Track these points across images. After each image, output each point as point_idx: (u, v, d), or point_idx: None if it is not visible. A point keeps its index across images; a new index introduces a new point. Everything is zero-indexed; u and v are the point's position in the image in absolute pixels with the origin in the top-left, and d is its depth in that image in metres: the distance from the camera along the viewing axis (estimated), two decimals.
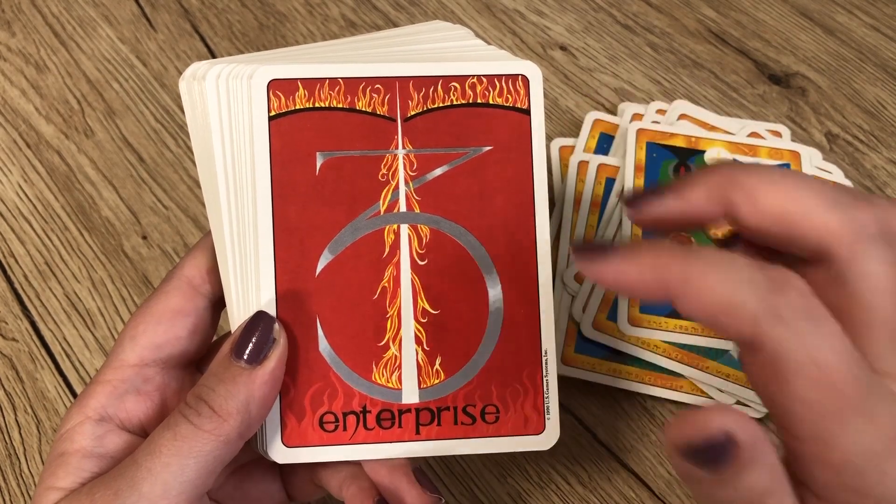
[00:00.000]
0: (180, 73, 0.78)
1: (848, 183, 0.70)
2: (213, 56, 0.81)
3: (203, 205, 0.71)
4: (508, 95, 0.49)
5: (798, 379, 0.35)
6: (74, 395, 0.63)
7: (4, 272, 0.69)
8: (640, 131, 0.72)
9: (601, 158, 0.72)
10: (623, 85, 0.80)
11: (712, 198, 0.40)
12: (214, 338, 0.52)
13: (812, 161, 0.71)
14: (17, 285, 0.68)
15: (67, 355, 0.65)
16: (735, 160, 0.41)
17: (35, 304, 0.67)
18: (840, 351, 0.35)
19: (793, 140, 0.74)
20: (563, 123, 0.78)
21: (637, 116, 0.74)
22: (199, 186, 0.72)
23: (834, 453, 0.36)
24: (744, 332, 0.36)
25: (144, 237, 0.70)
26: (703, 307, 0.36)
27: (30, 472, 0.60)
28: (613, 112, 0.78)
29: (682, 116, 0.74)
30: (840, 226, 0.38)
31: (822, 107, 0.79)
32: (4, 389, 0.63)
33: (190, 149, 0.75)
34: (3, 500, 0.59)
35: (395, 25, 0.84)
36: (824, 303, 0.37)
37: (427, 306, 0.48)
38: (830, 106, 0.79)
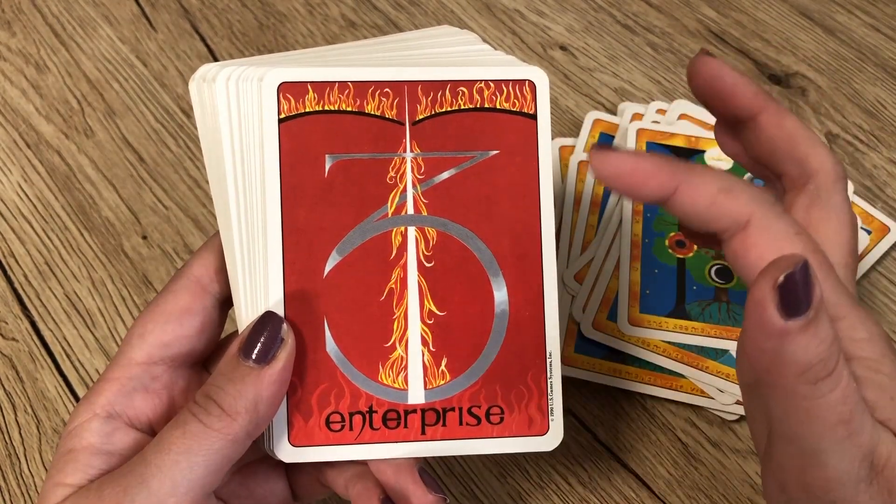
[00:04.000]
0: (180, 73, 0.78)
1: (848, 182, 0.70)
2: (213, 55, 0.81)
3: (204, 205, 0.71)
4: (515, 100, 0.49)
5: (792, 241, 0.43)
6: (74, 394, 0.63)
7: (4, 272, 0.69)
8: (640, 131, 0.72)
9: None
10: (623, 85, 0.80)
11: (757, 96, 0.49)
12: (221, 336, 0.52)
13: None
14: (17, 285, 0.68)
15: (67, 355, 0.65)
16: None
17: (35, 304, 0.67)
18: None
19: None
20: (563, 123, 0.78)
21: (637, 116, 0.74)
22: (199, 186, 0.72)
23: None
24: (741, 211, 0.42)
25: (144, 237, 0.70)
26: (706, 198, 0.43)
27: (30, 472, 0.60)
28: (613, 112, 0.78)
29: (683, 116, 0.74)
30: (832, 164, 0.48)
31: (822, 107, 0.79)
32: (4, 389, 0.63)
33: (190, 149, 0.75)
34: (3, 500, 0.59)
35: (395, 25, 0.84)
36: (804, 218, 0.48)
37: (433, 308, 0.48)
38: (830, 106, 0.79)
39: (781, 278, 0.38)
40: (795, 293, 0.38)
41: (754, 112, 0.49)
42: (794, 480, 0.42)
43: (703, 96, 0.50)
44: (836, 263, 0.46)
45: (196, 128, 0.71)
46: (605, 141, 0.74)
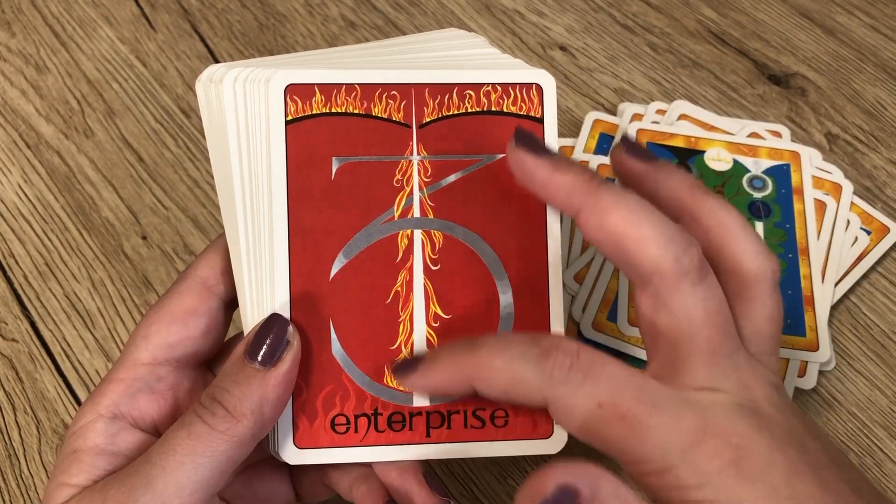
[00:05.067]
0: (180, 74, 0.78)
1: (848, 183, 0.70)
2: (213, 56, 0.81)
3: (204, 205, 0.71)
4: (522, 104, 0.49)
5: (591, 420, 0.43)
6: (74, 395, 0.63)
7: (4, 272, 0.68)
8: (639, 131, 0.72)
9: (601, 158, 0.72)
10: (623, 85, 0.80)
11: (573, 193, 0.44)
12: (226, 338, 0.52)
13: (812, 161, 0.71)
14: (17, 285, 0.68)
15: (67, 355, 0.65)
16: (596, 174, 0.47)
17: (35, 305, 0.67)
18: (614, 387, 0.43)
19: (793, 140, 0.74)
20: (563, 123, 0.78)
21: (637, 116, 0.74)
22: (199, 187, 0.72)
23: (645, 465, 0.42)
24: (535, 399, 0.43)
25: (144, 237, 0.70)
26: (499, 391, 0.44)
27: (29, 472, 0.60)
28: (613, 112, 0.78)
29: (682, 116, 0.74)
30: (668, 262, 0.43)
31: (822, 107, 0.79)
32: (4, 389, 0.63)
33: (190, 149, 0.75)
34: (3, 500, 0.59)
35: (395, 25, 0.84)
36: (649, 322, 0.45)
37: (439, 311, 0.48)
38: (830, 106, 0.79)
39: None
40: None
41: (572, 212, 0.45)
42: None
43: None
44: (697, 352, 0.44)
45: (198, 128, 0.71)
46: (605, 142, 0.74)
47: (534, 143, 0.46)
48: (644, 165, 0.49)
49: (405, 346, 0.48)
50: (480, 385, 0.44)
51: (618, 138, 0.72)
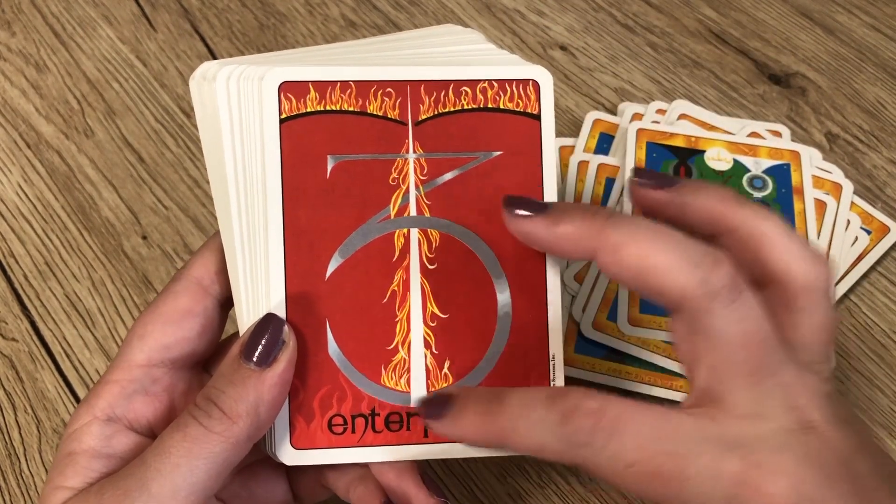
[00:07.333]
0: (180, 73, 0.78)
1: (848, 182, 0.70)
2: (213, 56, 0.81)
3: (204, 205, 0.71)
4: (519, 100, 0.49)
5: (624, 480, 0.41)
6: (74, 394, 0.63)
7: (4, 272, 0.68)
8: (640, 131, 0.72)
9: (601, 158, 0.72)
10: (623, 85, 0.80)
11: (580, 241, 0.44)
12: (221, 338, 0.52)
13: (812, 161, 0.71)
14: (17, 285, 0.68)
15: (67, 355, 0.65)
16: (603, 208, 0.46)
17: (35, 304, 0.67)
18: (641, 443, 0.41)
19: (793, 140, 0.74)
20: (563, 123, 0.78)
21: (637, 116, 0.74)
22: (199, 186, 0.72)
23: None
24: (565, 461, 0.42)
25: (144, 237, 0.70)
26: (530, 453, 0.44)
27: (30, 472, 0.60)
28: (613, 112, 0.78)
29: (682, 116, 0.74)
30: (695, 287, 0.42)
31: (822, 107, 0.79)
32: (4, 389, 0.63)
33: (190, 149, 0.75)
34: (3, 500, 0.59)
35: (396, 25, 0.84)
36: (685, 349, 0.44)
37: (436, 310, 0.48)
38: (830, 106, 0.79)
39: None
40: None
41: (588, 258, 0.44)
42: None
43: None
44: (737, 375, 0.42)
45: (196, 127, 0.71)
46: (605, 142, 0.74)
47: (525, 205, 0.46)
48: (666, 193, 0.48)
49: (402, 346, 0.48)
50: (510, 449, 0.45)
51: (618, 138, 0.72)
